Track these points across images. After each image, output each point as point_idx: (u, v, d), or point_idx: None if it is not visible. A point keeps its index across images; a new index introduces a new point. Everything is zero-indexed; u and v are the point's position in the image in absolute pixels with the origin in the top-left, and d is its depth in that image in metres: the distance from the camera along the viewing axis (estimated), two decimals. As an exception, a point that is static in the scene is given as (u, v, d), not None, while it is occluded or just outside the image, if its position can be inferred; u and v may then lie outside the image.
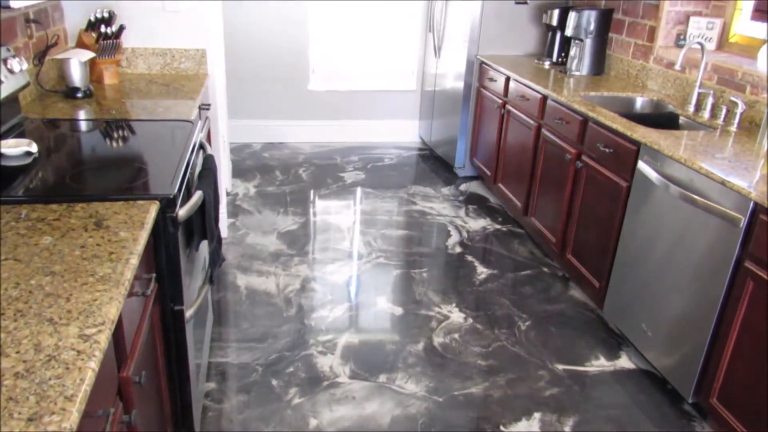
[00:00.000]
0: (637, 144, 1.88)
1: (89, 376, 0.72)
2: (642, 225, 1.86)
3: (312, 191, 3.13)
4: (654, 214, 1.80)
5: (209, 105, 2.31)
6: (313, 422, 1.66)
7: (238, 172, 3.34)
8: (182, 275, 1.31)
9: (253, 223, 2.73)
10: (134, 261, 0.98)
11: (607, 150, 2.02)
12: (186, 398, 1.43)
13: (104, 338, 0.79)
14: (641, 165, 1.84)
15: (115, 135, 1.65)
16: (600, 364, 1.93)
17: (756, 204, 1.43)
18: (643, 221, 1.85)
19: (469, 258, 2.53)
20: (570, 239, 2.29)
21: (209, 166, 1.56)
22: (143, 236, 1.07)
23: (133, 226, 1.10)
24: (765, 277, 1.40)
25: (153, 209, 1.17)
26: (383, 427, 1.66)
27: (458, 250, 2.60)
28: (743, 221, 1.46)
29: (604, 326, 2.12)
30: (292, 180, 3.27)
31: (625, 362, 1.95)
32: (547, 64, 2.99)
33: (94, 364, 0.74)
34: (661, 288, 1.78)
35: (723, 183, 1.52)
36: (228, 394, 1.75)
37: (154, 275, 1.18)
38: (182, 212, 1.27)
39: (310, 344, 1.96)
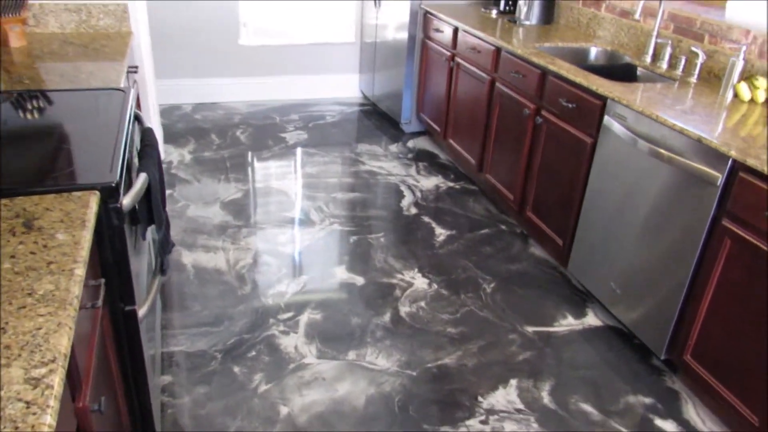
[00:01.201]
0: (602, 99, 1.81)
1: (46, 436, 0.58)
2: (609, 182, 1.82)
3: (253, 155, 2.94)
4: (622, 171, 1.76)
5: (136, 67, 2.07)
6: (283, 410, 1.56)
7: (170, 137, 3.08)
8: (131, 272, 1.15)
9: (192, 193, 2.53)
10: (80, 272, 0.82)
11: (569, 105, 1.95)
12: (145, 402, 1.30)
13: (58, 380, 0.64)
14: (607, 120, 1.78)
15: (32, 109, 1.42)
16: (568, 323, 1.92)
17: (735, 161, 1.40)
18: (611, 178, 1.81)
19: (426, 219, 2.45)
20: (529, 196, 2.24)
21: (149, 142, 1.38)
22: (86, 238, 0.90)
23: (72, 226, 0.93)
24: (743, 235, 1.39)
25: (93, 201, 1.00)
26: (359, 409, 1.58)
27: (413, 211, 2.51)
28: (720, 179, 1.43)
29: (568, 284, 2.10)
30: (230, 143, 3.06)
31: (592, 320, 1.94)
32: (494, 13, 2.87)
33: (50, 419, 0.60)
34: (631, 246, 1.76)
35: (699, 140, 1.48)
36: (187, 387, 1.61)
37: (102, 281, 1.01)
38: (127, 201, 1.10)
39: (270, 324, 1.84)
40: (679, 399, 1.67)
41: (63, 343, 0.69)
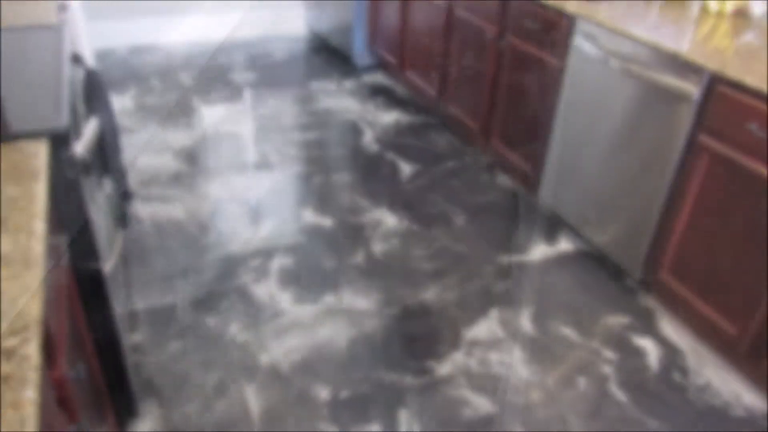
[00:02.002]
0: (570, 18, 1.75)
1: (31, 415, 0.51)
2: (579, 105, 1.78)
3: (200, 99, 2.77)
4: (593, 93, 1.72)
5: (66, 4, 1.87)
6: (264, 359, 1.51)
7: (108, 84, 2.87)
8: (93, 228, 1.05)
9: (140, 142, 2.37)
10: (41, 227, 0.73)
11: (534, 26, 1.88)
12: (119, 364, 1.22)
13: (34, 350, 0.56)
14: (577, 41, 1.73)
15: (-46, 52, 1.26)
16: (542, 251, 1.91)
17: (712, 75, 1.38)
18: (581, 101, 1.77)
19: (389, 155, 2.38)
20: (495, 125, 2.19)
21: (96, 85, 1.24)
22: (41, 190, 0.80)
23: (22, 178, 0.82)
24: (722, 149, 1.38)
25: (42, 150, 0.89)
26: (342, 352, 1.55)
27: (375, 147, 2.43)
28: (696, 94, 1.41)
29: (538, 212, 2.10)
30: (175, 87, 2.87)
31: (564, 246, 1.94)
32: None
33: (32, 393, 0.52)
34: (604, 168, 1.75)
35: (675, 54, 1.45)
36: (161, 344, 1.54)
37: (65, 238, 0.92)
38: (80, 149, 0.99)
39: (240, 273, 1.77)
40: (654, 316, 1.71)
41: (34, 308, 0.61)
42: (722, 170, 1.39)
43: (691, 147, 1.46)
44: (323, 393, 1.45)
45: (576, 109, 1.80)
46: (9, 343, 0.56)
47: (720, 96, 1.36)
